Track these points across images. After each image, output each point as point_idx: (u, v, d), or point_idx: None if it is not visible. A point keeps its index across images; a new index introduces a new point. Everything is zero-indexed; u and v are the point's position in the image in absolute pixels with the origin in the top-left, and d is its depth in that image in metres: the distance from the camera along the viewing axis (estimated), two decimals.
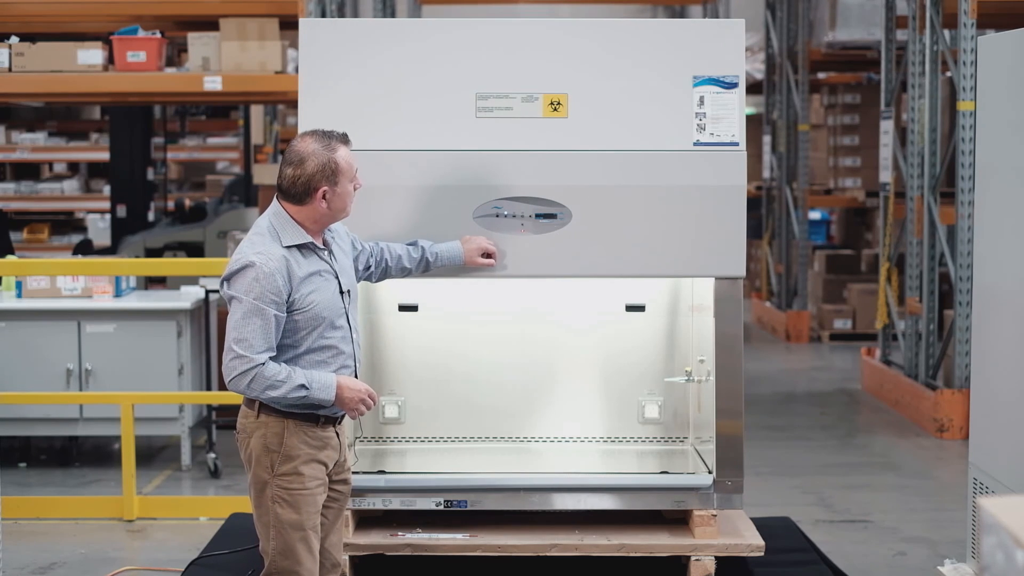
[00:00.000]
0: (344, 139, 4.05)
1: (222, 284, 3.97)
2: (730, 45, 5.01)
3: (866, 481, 7.30)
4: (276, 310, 3.89)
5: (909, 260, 9.20)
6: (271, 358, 3.91)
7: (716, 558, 5.03)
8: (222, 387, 6.85)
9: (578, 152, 4.98)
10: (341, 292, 4.06)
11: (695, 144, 4.98)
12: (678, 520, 5.24)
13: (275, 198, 4.06)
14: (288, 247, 3.95)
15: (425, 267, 4.77)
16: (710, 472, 5.11)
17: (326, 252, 4.06)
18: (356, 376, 4.12)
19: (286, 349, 3.96)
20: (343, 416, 4.12)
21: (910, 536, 6.16)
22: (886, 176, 9.68)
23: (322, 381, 3.94)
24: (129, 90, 7.87)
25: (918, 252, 9.10)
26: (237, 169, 15.47)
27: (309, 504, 3.97)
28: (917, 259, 9.11)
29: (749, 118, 10.89)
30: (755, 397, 9.54)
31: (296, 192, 3.98)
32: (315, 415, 4.00)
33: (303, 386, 3.90)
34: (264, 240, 3.95)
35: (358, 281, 4.43)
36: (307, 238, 3.99)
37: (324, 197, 3.97)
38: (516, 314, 5.63)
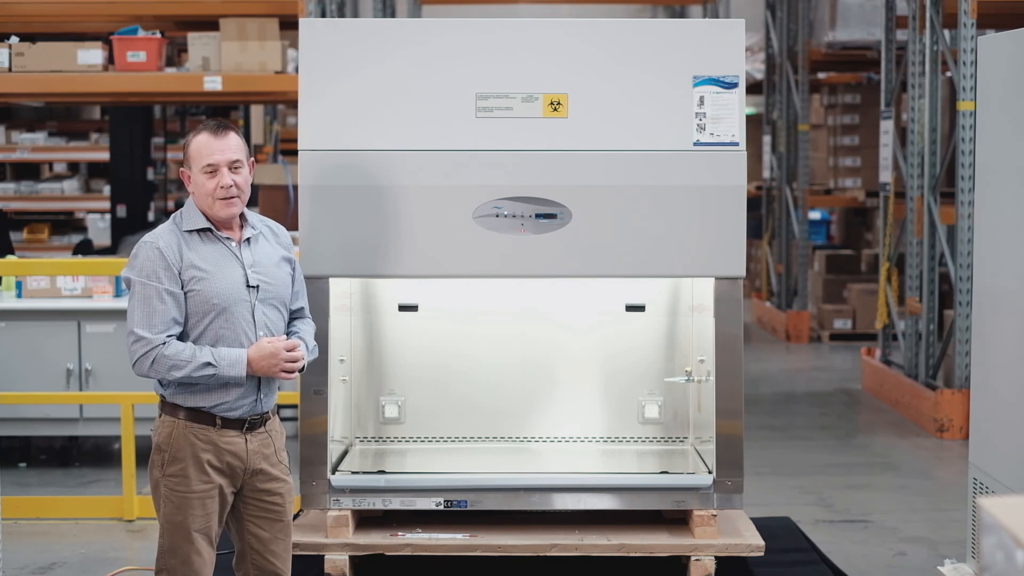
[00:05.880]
0: (214, 127, 3.90)
1: (124, 273, 3.92)
2: (730, 45, 5.01)
3: (866, 481, 7.30)
4: (170, 285, 3.79)
5: (909, 260, 9.20)
6: (178, 338, 3.83)
7: (716, 558, 5.03)
8: None
9: (578, 152, 4.98)
10: (249, 286, 3.90)
11: (695, 144, 4.98)
12: (678, 520, 5.24)
13: None
14: (187, 231, 3.89)
15: None
16: (710, 472, 5.12)
17: (234, 242, 3.93)
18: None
19: (183, 337, 3.85)
20: (259, 421, 3.94)
21: (910, 536, 6.16)
22: (886, 176, 9.68)
23: (231, 357, 3.79)
24: (129, 90, 7.87)
25: (918, 252, 9.09)
26: None
27: (196, 507, 3.87)
28: (917, 259, 9.10)
29: (749, 118, 10.85)
30: (755, 397, 9.54)
31: None
32: (212, 416, 3.86)
33: (209, 364, 3.76)
34: (165, 226, 3.93)
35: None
36: (205, 224, 3.90)
37: (191, 180, 3.92)
38: (516, 314, 5.63)
